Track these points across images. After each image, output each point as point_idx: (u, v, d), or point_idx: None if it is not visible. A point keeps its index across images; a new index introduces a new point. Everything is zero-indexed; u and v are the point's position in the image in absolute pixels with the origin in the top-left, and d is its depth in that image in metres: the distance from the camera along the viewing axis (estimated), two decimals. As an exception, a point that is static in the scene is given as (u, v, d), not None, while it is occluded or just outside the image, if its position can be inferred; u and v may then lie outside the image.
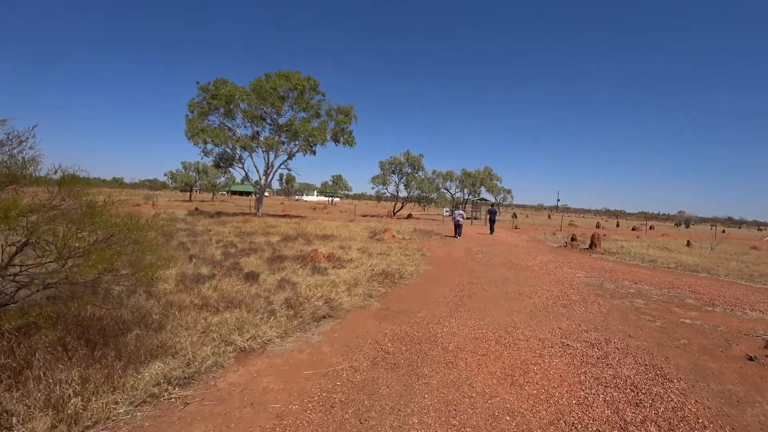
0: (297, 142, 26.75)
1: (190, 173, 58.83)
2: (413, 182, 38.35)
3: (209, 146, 26.01)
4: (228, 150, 26.66)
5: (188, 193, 62.34)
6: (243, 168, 28.11)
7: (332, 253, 11.34)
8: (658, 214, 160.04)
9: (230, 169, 29.95)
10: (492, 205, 33.54)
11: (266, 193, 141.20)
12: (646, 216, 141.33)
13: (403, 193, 39.90)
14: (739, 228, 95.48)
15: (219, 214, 27.38)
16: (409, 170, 39.52)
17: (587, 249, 17.19)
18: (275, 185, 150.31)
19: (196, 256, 10.94)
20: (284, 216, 30.84)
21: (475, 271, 10.67)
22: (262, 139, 25.47)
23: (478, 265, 11.57)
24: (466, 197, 47.73)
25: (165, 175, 59.84)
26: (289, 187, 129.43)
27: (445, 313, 6.57)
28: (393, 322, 6.05)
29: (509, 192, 57.98)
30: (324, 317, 6.31)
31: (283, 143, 26.65)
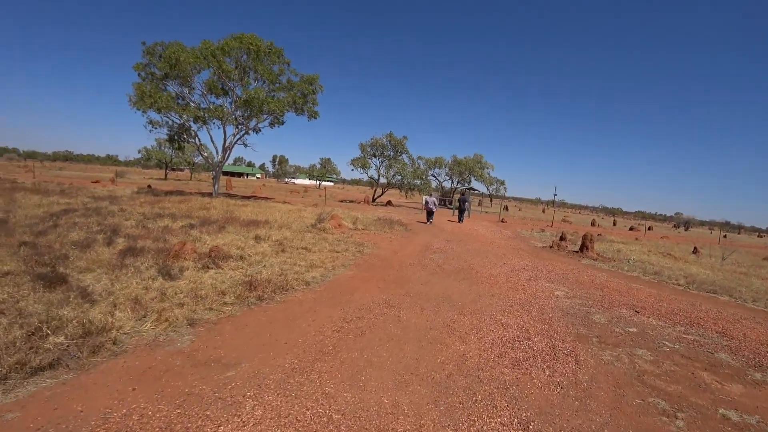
0: (261, 115, 23.42)
1: (165, 150, 55.21)
2: (394, 167, 35.04)
3: (155, 116, 22.74)
4: (176, 121, 23.27)
5: (164, 171, 58.68)
6: (196, 142, 24.74)
7: (220, 246, 8.22)
8: (656, 214, 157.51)
9: (186, 144, 26.65)
10: (462, 193, 30.52)
11: (258, 175, 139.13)
12: (643, 216, 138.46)
13: (384, 179, 36.59)
14: (738, 233, 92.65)
15: (169, 193, 24.21)
16: (392, 154, 36.19)
17: (577, 252, 14.11)
18: (269, 167, 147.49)
19: (37, 244, 7.93)
20: (248, 197, 27.77)
21: (412, 280, 7.55)
22: (210, 107, 22.06)
23: (421, 271, 8.46)
24: (454, 186, 44.49)
25: (139, 152, 56.25)
26: (280, 170, 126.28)
27: (275, 378, 3.48)
28: (141, 399, 3.01)
29: (502, 183, 54.88)
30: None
31: (239, 115, 23.31)
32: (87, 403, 3.01)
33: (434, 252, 11.16)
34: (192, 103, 22.90)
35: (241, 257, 8.06)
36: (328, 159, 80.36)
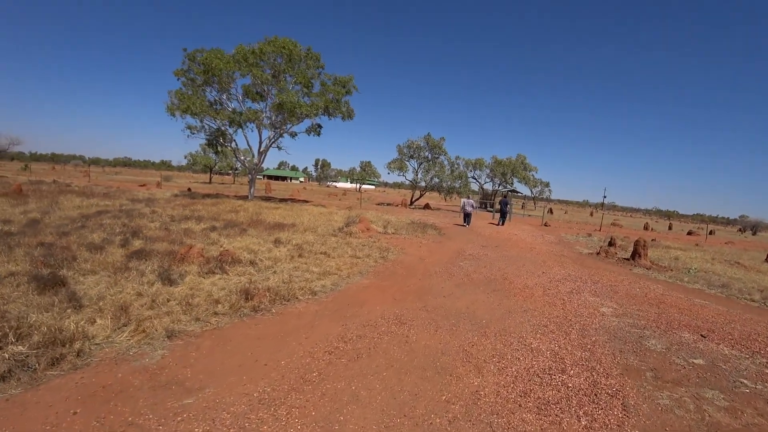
0: (293, 118, 23.29)
1: (210, 155, 57.07)
2: (432, 169, 34.06)
3: (192, 121, 23.20)
4: (211, 125, 23.63)
5: (208, 175, 60.70)
6: (231, 146, 25.08)
7: (232, 250, 7.79)
8: (717, 217, 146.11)
9: (224, 148, 27.13)
10: (504, 195, 29.17)
11: (301, 179, 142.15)
12: (702, 219, 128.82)
13: (423, 181, 35.69)
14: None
15: (206, 196, 24.63)
16: (429, 156, 35.25)
17: (628, 259, 12.69)
18: (312, 171, 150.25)
19: (54, 244, 7.89)
20: (284, 200, 27.92)
21: (434, 291, 6.75)
22: (245, 111, 22.15)
23: (447, 281, 7.62)
24: (496, 188, 42.88)
25: (185, 157, 58.52)
26: (322, 173, 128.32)
27: (236, 410, 2.84)
28: (77, 426, 2.50)
29: (547, 185, 52.58)
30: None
31: (274, 119, 23.35)
32: (19, 425, 2.63)
33: (465, 259, 10.26)
34: (228, 108, 23.17)
35: (252, 262, 7.58)
36: (369, 162, 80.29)
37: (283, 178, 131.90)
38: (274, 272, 7.18)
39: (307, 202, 29.35)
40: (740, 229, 66.70)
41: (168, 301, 5.19)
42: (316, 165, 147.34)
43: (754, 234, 58.33)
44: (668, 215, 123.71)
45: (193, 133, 24.23)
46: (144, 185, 33.26)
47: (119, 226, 10.63)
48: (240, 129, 23.72)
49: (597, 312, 6.31)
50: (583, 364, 4.16)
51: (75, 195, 17.70)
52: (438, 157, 35.10)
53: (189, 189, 29.07)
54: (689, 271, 11.44)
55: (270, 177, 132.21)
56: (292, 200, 29.81)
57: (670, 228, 45.13)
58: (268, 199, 27.83)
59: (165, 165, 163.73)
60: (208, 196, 24.38)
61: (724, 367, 4.46)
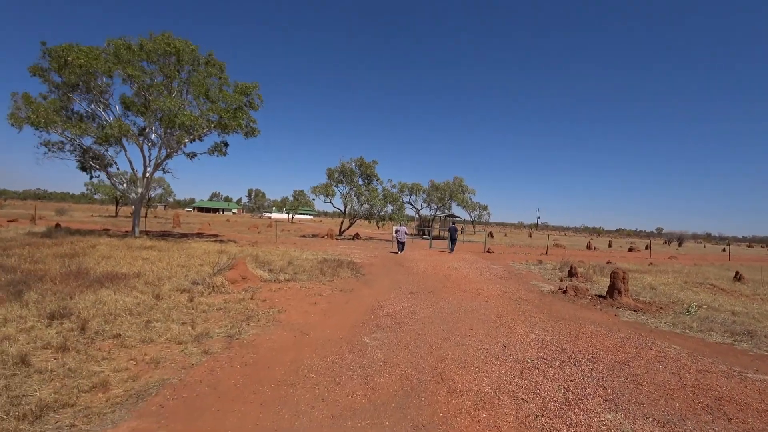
0: (173, 130, 18.42)
1: (118, 184, 49.85)
2: (363, 195, 30.47)
3: (55, 137, 17.92)
4: (81, 142, 18.45)
5: (114, 207, 53.02)
6: (109, 170, 19.94)
7: None
8: (636, 231, 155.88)
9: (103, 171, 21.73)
10: (452, 222, 26.37)
11: (234, 210, 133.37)
12: (628, 234, 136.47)
13: (350, 207, 31.91)
14: (728, 245, 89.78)
15: (75, 232, 19.18)
16: (361, 181, 31.73)
17: (603, 297, 9.57)
18: (245, 201, 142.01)
19: None
20: (188, 235, 23.07)
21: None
22: (112, 124, 17.23)
23: (318, 403, 3.72)
24: (433, 213, 40.19)
25: (85, 185, 50.80)
26: (254, 204, 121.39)
27: None
28: None
29: (485, 208, 50.96)
30: None
31: (162, 134, 18.71)
32: None
33: (379, 327, 6.39)
34: (106, 121, 18.17)
35: None
36: (302, 191, 75.23)
37: (215, 210, 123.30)
38: None
39: (214, 236, 24.64)
40: (666, 242, 69.43)
41: None
42: (249, 195, 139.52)
43: (680, 245, 60.45)
44: (597, 232, 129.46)
45: (53, 153, 18.82)
46: (14, 220, 27.07)
47: None
48: (119, 147, 18.84)
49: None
50: None
51: None
52: (370, 182, 31.70)
53: (57, 225, 23.17)
54: (688, 311, 8.42)
55: (201, 209, 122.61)
56: (199, 235, 24.98)
57: (610, 245, 44.75)
58: (163, 234, 22.76)
59: (86, 198, 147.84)
60: (75, 232, 18.89)
61: None
